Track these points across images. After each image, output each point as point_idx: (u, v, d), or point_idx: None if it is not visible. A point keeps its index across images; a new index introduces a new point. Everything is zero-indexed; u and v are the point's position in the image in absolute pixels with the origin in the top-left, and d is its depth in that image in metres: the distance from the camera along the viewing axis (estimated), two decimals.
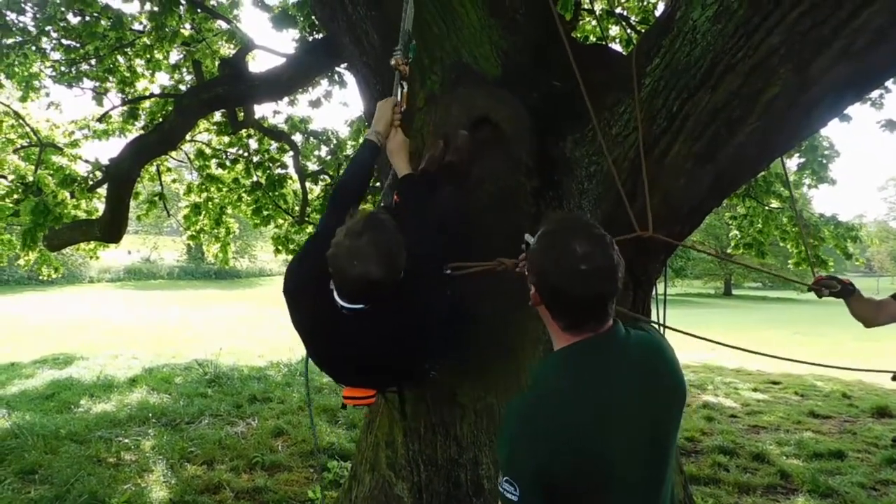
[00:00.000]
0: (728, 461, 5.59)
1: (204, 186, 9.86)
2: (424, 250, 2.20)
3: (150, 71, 8.69)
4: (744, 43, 2.26)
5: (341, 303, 2.01)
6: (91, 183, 7.57)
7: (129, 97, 8.78)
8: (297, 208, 9.95)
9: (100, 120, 8.69)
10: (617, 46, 8.61)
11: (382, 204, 3.31)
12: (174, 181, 10.90)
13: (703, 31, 2.36)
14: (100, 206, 8.96)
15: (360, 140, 9.19)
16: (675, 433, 1.49)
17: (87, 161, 8.65)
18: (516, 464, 1.33)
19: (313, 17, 7.33)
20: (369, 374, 2.28)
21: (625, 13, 8.33)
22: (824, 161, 8.51)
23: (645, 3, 8.00)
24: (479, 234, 3.04)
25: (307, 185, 9.34)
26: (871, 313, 3.08)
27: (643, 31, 8.34)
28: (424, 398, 3.10)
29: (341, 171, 9.39)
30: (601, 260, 1.37)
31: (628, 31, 8.40)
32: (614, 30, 8.55)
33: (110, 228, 6.70)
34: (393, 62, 2.69)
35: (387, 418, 3.20)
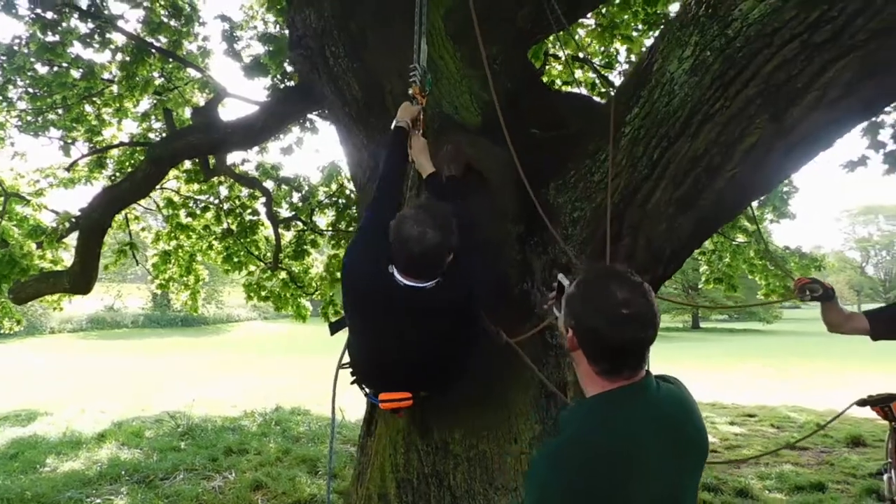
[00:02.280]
0: (713, 498, 5.60)
1: (173, 234, 9.73)
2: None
3: (118, 119, 8.64)
4: (720, 94, 2.35)
5: (404, 281, 2.22)
6: (60, 234, 7.42)
7: (97, 146, 8.70)
8: (268, 254, 9.88)
9: (67, 169, 8.56)
10: (582, 89, 8.87)
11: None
12: (143, 229, 10.71)
13: (681, 82, 2.44)
14: (65, 255, 8.79)
15: (334, 185, 9.16)
16: (696, 489, 1.50)
17: (53, 211, 8.51)
18: None
19: (285, 66, 7.41)
20: (413, 363, 2.42)
21: (588, 57, 8.59)
22: (785, 197, 8.80)
23: (608, 50, 8.25)
24: None
25: (280, 230, 9.30)
26: (839, 320, 3.29)
27: (606, 74, 8.64)
28: (416, 448, 3.08)
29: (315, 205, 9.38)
30: (641, 305, 1.40)
31: (591, 74, 8.69)
32: (578, 74, 8.80)
33: (80, 279, 6.54)
34: (411, 91, 2.91)
35: (378, 470, 3.15)
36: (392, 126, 2.82)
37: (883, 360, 14.49)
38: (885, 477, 3.48)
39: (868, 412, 3.60)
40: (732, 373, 15.87)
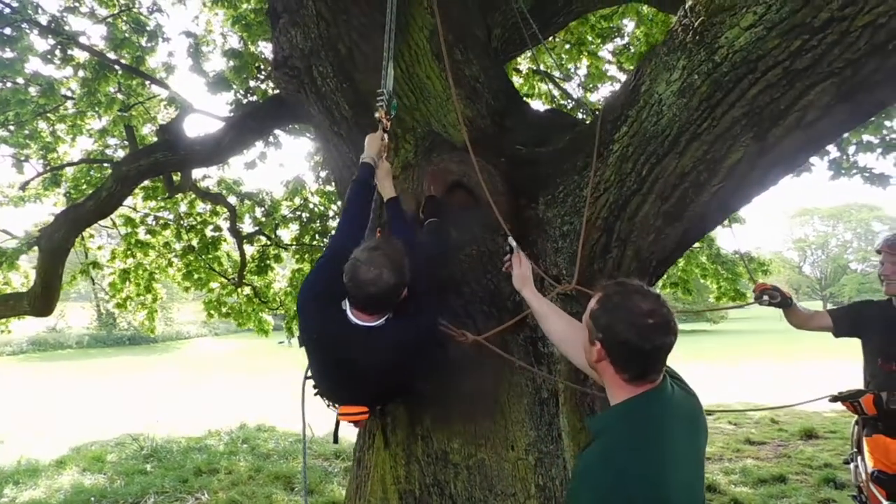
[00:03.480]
0: None
1: (130, 252, 9.49)
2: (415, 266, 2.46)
3: (72, 136, 8.42)
4: (707, 115, 2.52)
5: (355, 320, 2.31)
6: (20, 255, 7.20)
7: (51, 163, 8.46)
8: (230, 270, 9.77)
9: (22, 188, 8.30)
10: (540, 102, 9.12)
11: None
12: (100, 247, 10.42)
13: (669, 103, 2.61)
14: (14, 277, 8.52)
15: (298, 199, 9.11)
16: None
17: (6, 232, 8.23)
18: None
19: (248, 81, 7.38)
20: (368, 387, 2.50)
21: (549, 71, 8.85)
22: None
23: (565, 64, 8.52)
24: (461, 294, 3.17)
25: (243, 246, 9.21)
26: (803, 320, 3.59)
27: (565, 86, 8.93)
28: (417, 458, 3.14)
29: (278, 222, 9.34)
30: (665, 314, 1.56)
31: (548, 86, 8.96)
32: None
33: (41, 301, 6.35)
34: (378, 115, 2.99)
35: (379, 483, 3.20)
36: (360, 160, 2.88)
37: (827, 356, 15.20)
38: (852, 465, 3.70)
39: (819, 406, 3.86)
40: (684, 372, 16.32)
